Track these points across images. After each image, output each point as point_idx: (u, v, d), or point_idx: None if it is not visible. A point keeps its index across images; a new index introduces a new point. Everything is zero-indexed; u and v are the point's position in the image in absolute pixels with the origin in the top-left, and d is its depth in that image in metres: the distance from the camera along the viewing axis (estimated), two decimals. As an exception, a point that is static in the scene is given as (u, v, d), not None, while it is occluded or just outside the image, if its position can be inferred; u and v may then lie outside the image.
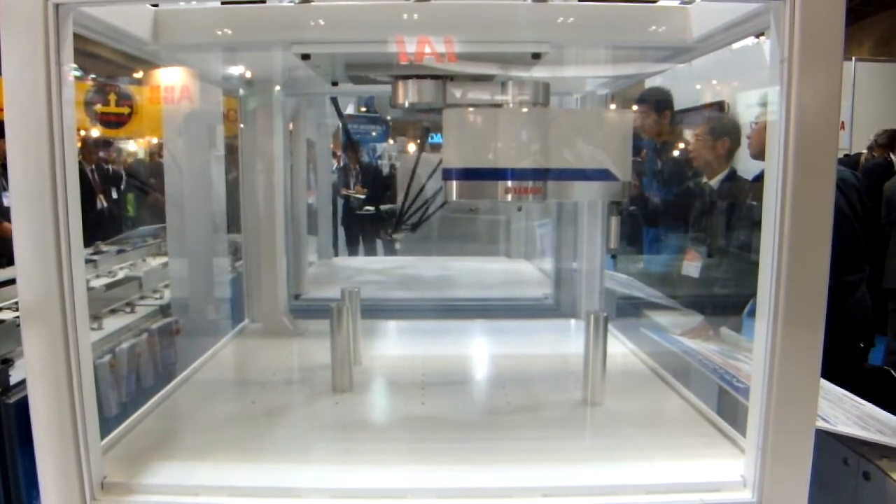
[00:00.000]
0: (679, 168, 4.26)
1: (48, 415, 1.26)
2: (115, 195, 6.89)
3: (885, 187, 4.87)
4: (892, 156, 5.22)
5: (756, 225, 1.33)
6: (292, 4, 1.70)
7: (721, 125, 3.54)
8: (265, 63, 2.31)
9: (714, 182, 3.30)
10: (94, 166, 6.81)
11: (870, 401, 1.80)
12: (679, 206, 3.79)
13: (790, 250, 1.22)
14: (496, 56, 1.62)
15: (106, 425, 1.61)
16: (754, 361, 1.33)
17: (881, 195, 4.70)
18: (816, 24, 1.18)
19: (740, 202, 3.08)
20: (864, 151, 5.63)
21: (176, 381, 2.01)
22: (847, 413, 1.64)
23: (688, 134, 4.34)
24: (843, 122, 7.27)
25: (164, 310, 3.43)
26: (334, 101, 3.16)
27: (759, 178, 1.32)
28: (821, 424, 1.46)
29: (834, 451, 1.59)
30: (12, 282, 2.45)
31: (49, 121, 1.19)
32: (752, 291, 1.34)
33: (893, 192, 4.76)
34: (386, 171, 9.13)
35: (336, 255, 4.86)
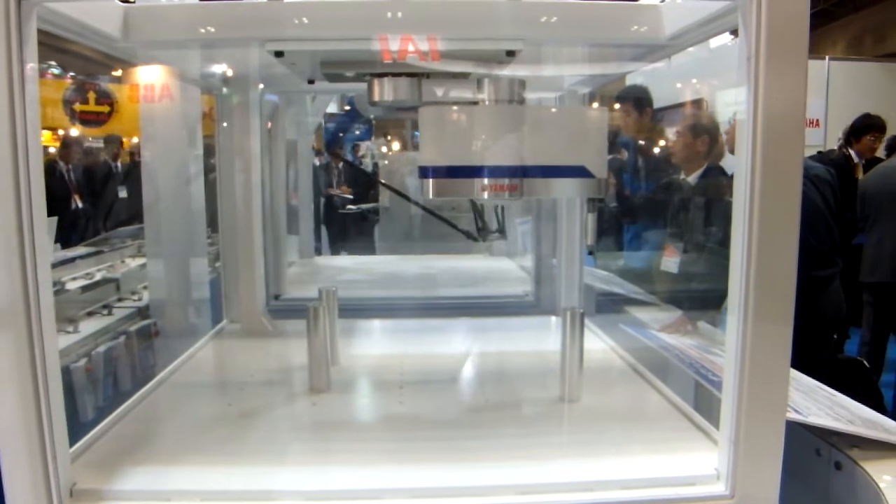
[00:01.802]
0: (658, 165, 4.29)
1: (13, 421, 1.23)
2: (123, 194, 6.81)
3: (859, 183, 4.93)
4: (849, 150, 5.32)
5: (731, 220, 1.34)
6: (265, 0, 1.69)
7: (699, 123, 3.57)
8: (240, 60, 2.29)
9: (692, 178, 3.32)
10: (70, 166, 6.75)
11: (843, 391, 1.81)
12: (658, 202, 3.82)
13: (759, 245, 1.23)
14: (470, 53, 1.62)
15: (82, 430, 1.60)
16: (726, 355, 1.34)
17: (845, 190, 4.75)
18: (782, 21, 1.18)
19: (718, 198, 3.10)
20: (836, 148, 5.75)
21: (151, 384, 1.99)
22: (819, 404, 1.65)
23: (667, 131, 4.38)
24: (817, 120, 7.37)
25: (142, 311, 3.40)
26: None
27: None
28: (793, 416, 1.47)
29: (806, 441, 1.60)
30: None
31: (11, 120, 1.16)
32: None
33: (866, 188, 4.82)
34: (369, 170, 9.14)
35: (319, 254, 4.85)
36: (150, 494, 1.36)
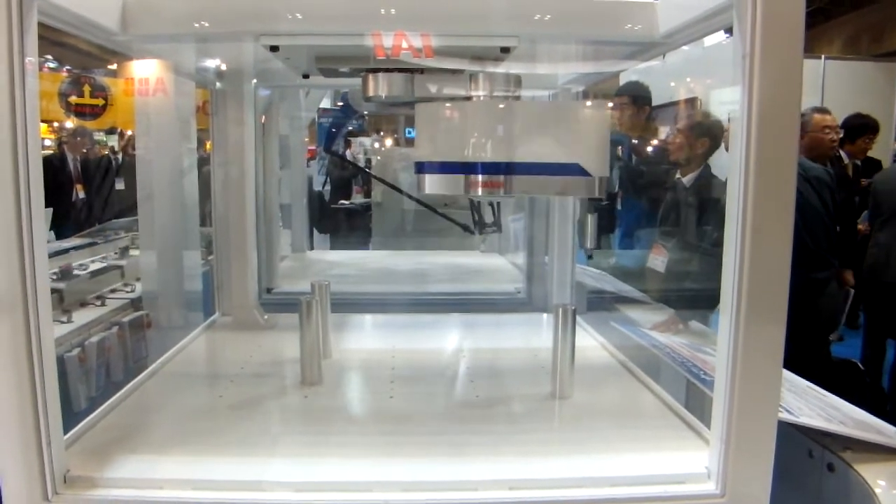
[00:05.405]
0: (654, 163, 4.29)
1: (9, 408, 1.24)
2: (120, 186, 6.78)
3: (872, 183, 4.94)
4: (840, 151, 5.32)
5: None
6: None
7: (700, 124, 3.57)
8: (236, 54, 2.29)
9: (687, 179, 3.33)
10: (77, 156, 6.78)
11: (838, 394, 1.82)
12: (652, 201, 3.82)
13: (753, 244, 1.24)
14: (464, 50, 1.62)
15: (76, 419, 1.60)
16: (718, 354, 1.34)
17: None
18: (778, 19, 1.19)
19: (713, 199, 3.11)
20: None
21: (143, 375, 1.99)
22: (811, 405, 1.66)
23: (663, 129, 4.39)
24: (812, 120, 7.36)
25: (135, 303, 3.40)
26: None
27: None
28: (785, 416, 1.48)
29: (799, 443, 1.61)
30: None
31: (12, 113, 1.17)
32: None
33: (876, 187, 4.83)
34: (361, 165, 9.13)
35: (312, 248, 4.85)
36: (143, 482, 1.37)
